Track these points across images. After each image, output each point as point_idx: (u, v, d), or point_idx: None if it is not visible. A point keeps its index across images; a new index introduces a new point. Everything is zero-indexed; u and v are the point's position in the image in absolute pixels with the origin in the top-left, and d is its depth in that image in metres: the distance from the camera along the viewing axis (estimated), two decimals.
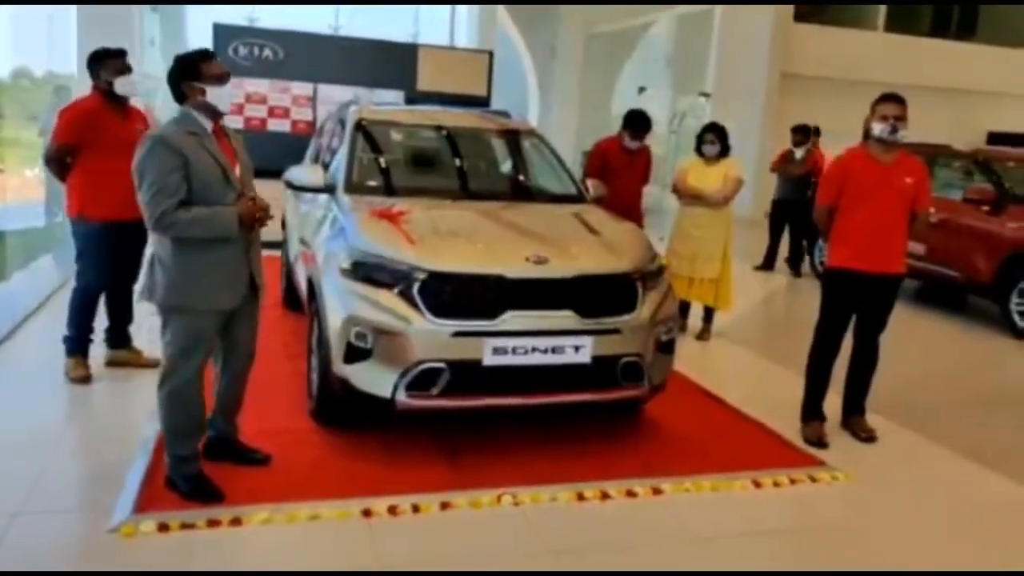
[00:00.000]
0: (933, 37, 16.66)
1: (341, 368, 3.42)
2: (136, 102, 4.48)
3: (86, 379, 4.27)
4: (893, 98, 3.87)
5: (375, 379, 3.36)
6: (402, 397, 3.34)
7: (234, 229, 2.92)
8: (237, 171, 3.05)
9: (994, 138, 16.73)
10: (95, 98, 4.16)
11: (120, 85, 4.11)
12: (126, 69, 4.13)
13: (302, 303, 4.70)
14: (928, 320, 7.41)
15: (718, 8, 15.28)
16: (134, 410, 3.93)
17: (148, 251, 3.04)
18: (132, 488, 3.09)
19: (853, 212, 3.92)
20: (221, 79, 2.96)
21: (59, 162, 4.14)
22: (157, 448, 3.38)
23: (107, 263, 4.28)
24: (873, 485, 3.66)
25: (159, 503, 3.00)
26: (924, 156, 4.16)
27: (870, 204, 3.88)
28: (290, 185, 4.23)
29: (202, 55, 3.01)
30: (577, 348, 3.47)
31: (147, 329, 4.58)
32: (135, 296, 3.10)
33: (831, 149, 9.01)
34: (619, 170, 5.68)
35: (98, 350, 4.47)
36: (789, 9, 15.13)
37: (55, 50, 7.78)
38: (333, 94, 8.51)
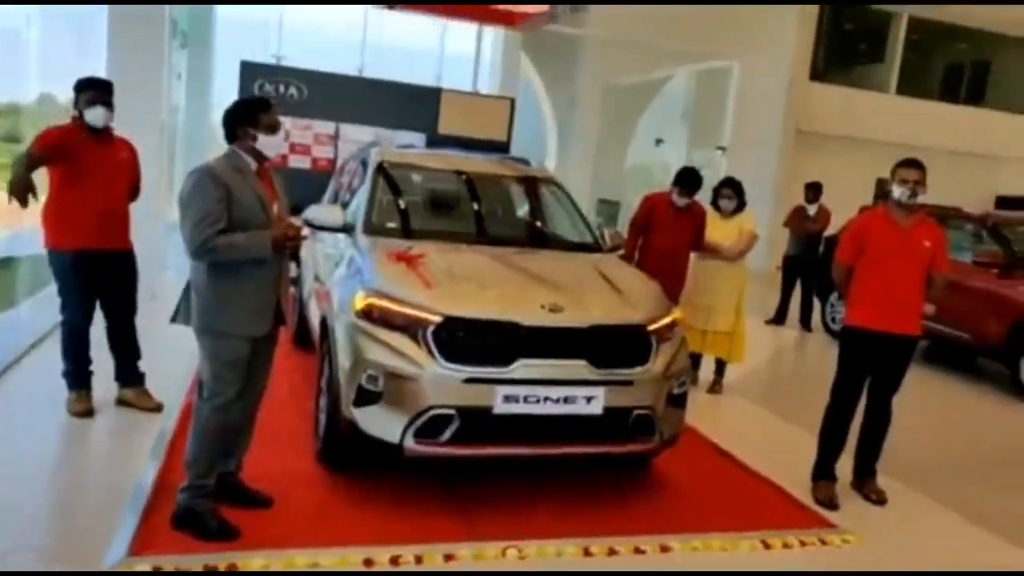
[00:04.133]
0: (943, 101, 16.88)
1: (350, 411, 3.39)
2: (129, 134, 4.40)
3: (87, 413, 4.19)
4: (913, 163, 3.92)
5: (384, 424, 3.33)
6: (410, 443, 3.30)
7: (268, 250, 3.01)
8: (275, 208, 3.16)
9: (1003, 202, 16.84)
10: (71, 126, 4.09)
11: (90, 116, 4.03)
12: (99, 101, 4.03)
13: (313, 341, 4.69)
14: (938, 381, 7.34)
15: (736, 65, 15.51)
16: (133, 450, 3.86)
17: (186, 278, 3.11)
18: (127, 529, 3.03)
19: (872, 273, 3.95)
20: (274, 129, 3.10)
21: (26, 171, 3.83)
22: (156, 489, 3.34)
23: (84, 298, 4.15)
24: (883, 550, 3.60)
25: (154, 546, 2.93)
26: (935, 218, 4.19)
27: (889, 265, 3.91)
28: (310, 224, 4.26)
29: (262, 105, 3.13)
30: (589, 399, 3.44)
31: (161, 365, 4.56)
32: (173, 320, 3.12)
33: (833, 205, 9.11)
34: (664, 225, 5.55)
35: (110, 384, 4.39)
36: (805, 68, 15.37)
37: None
38: (355, 134, 8.63)
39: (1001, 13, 15.21)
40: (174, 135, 10.48)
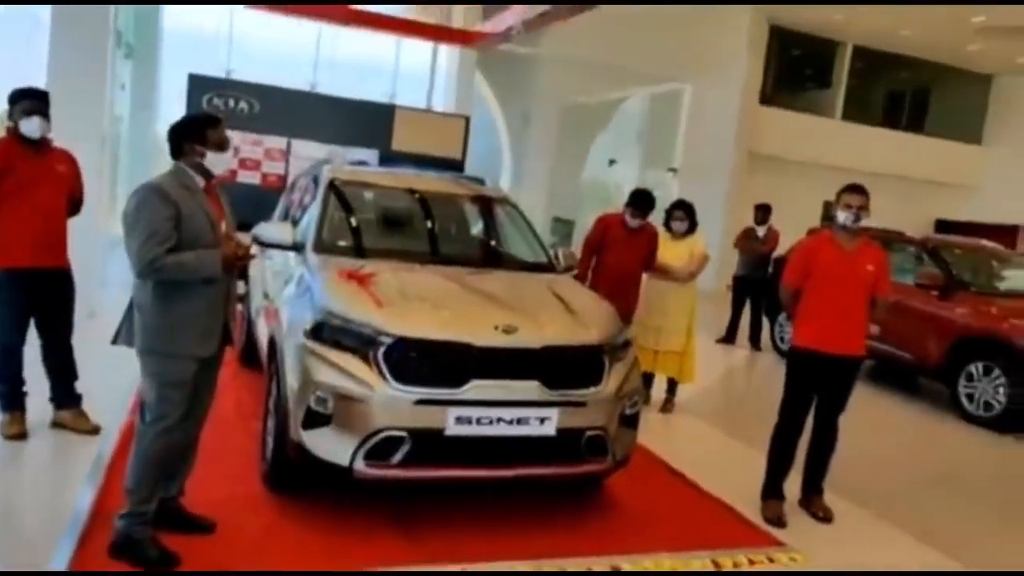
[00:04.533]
0: (886, 127, 17.49)
1: (298, 433, 3.31)
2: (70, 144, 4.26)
3: (21, 436, 4.03)
4: (857, 189, 4.03)
5: (333, 446, 3.26)
6: (360, 466, 3.24)
7: (219, 269, 2.94)
8: (223, 226, 3.09)
9: (941, 225, 17.50)
10: (6, 140, 3.96)
11: (25, 127, 3.91)
12: (35, 111, 3.91)
13: (260, 360, 4.58)
14: (882, 400, 7.52)
15: (688, 88, 15.86)
16: (69, 474, 3.73)
17: (128, 297, 3.02)
18: (63, 556, 2.91)
19: (817, 295, 4.04)
20: (223, 146, 3.04)
21: None
22: (93, 515, 3.21)
23: (19, 316, 4.00)
24: (829, 566, 3.65)
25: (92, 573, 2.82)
26: (879, 241, 4.32)
27: (834, 288, 4.00)
28: (258, 241, 4.18)
29: (211, 121, 3.07)
30: (542, 420, 3.43)
31: (98, 386, 4.40)
32: (114, 341, 3.02)
33: (781, 226, 9.33)
34: (616, 245, 5.59)
35: (45, 405, 4.21)
36: (755, 92, 15.77)
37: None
38: (307, 150, 8.54)
39: (940, 43, 15.86)
40: (117, 146, 10.20)
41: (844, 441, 4.24)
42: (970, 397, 6.89)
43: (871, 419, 6.63)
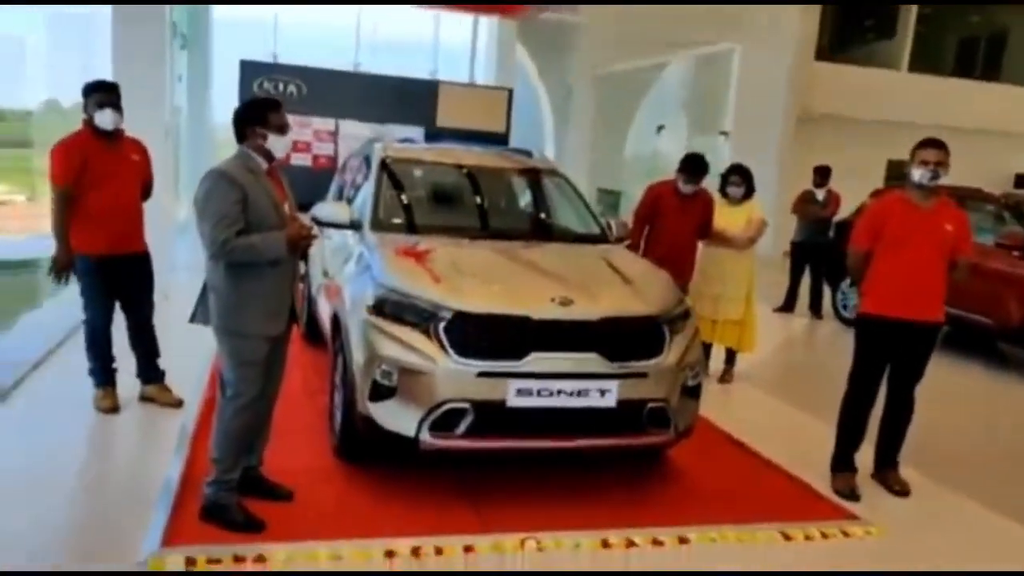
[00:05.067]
0: (958, 77, 16.55)
1: (365, 406, 3.40)
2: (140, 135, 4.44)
3: (114, 410, 4.29)
4: (934, 143, 3.80)
5: (400, 418, 3.33)
6: (426, 436, 3.31)
7: (283, 251, 3.03)
8: (286, 207, 3.19)
9: (1021, 180, 16.55)
10: (83, 132, 4.12)
11: (99, 119, 4.05)
12: (107, 103, 4.05)
13: (324, 337, 4.69)
14: (958, 368, 7.25)
15: (738, 48, 15.38)
16: (159, 445, 3.93)
17: (198, 280, 3.16)
18: (159, 522, 3.08)
19: (891, 257, 3.84)
20: (283, 129, 3.13)
21: (64, 203, 4.05)
22: (183, 483, 3.39)
23: (105, 299, 4.25)
24: (908, 541, 3.55)
25: (185, 537, 3.00)
26: (955, 199, 4.10)
27: (909, 250, 3.80)
28: (318, 222, 4.26)
29: (272, 105, 3.16)
30: (603, 392, 3.42)
31: (178, 363, 4.61)
32: (192, 320, 3.18)
33: (842, 189, 9.00)
34: (670, 215, 5.40)
35: (134, 381, 4.48)
36: (811, 48, 15.15)
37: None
38: (354, 130, 8.62)
39: None
40: (177, 136, 10.49)
41: (920, 412, 4.08)
42: None
43: (948, 388, 6.39)
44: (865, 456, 4.12)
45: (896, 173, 13.66)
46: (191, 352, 4.92)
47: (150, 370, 4.49)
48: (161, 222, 7.02)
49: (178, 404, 4.43)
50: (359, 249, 4.10)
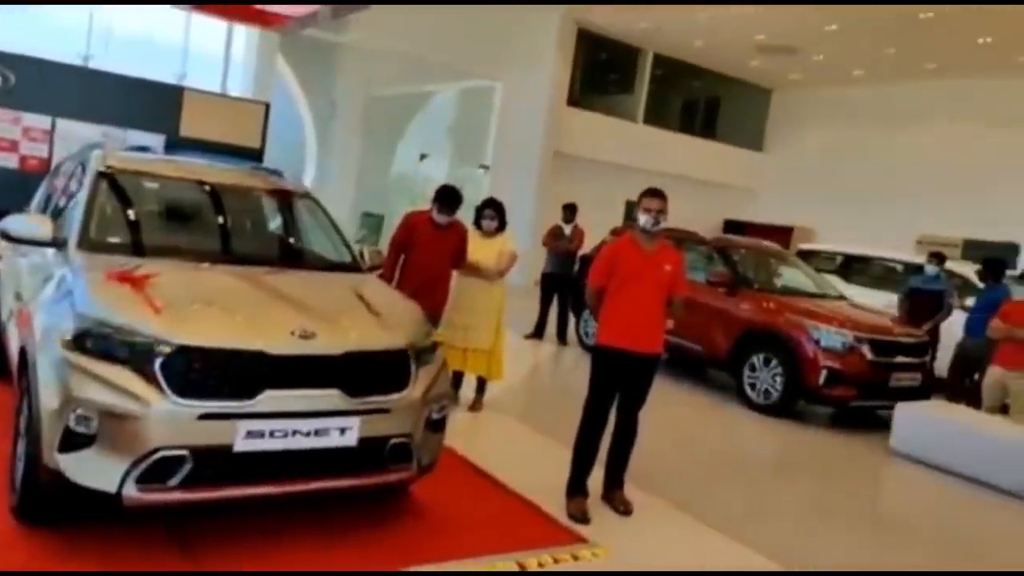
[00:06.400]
0: (682, 132, 18.90)
1: (54, 458, 2.88)
2: None
3: None
4: (655, 193, 4.23)
5: (97, 470, 2.87)
6: (131, 491, 2.87)
7: None
8: None
9: (729, 225, 19.26)
10: None
11: None
12: None
13: (10, 372, 3.96)
14: (674, 390, 8.02)
15: (499, 85, 16.08)
16: None
17: None
18: None
19: (620, 295, 4.19)
20: None
21: None
22: None
23: None
24: (630, 560, 3.77)
25: None
26: (675, 241, 4.57)
27: (634, 288, 4.16)
28: (7, 237, 3.60)
29: None
30: (343, 430, 3.23)
31: None
32: None
33: (588, 225, 9.72)
34: (424, 244, 5.45)
35: None
36: (564, 93, 16.31)
37: None
38: (77, 131, 7.59)
39: (728, 57, 17.32)
40: None
41: (642, 433, 4.41)
42: (752, 386, 7.53)
43: (666, 410, 7.03)
44: (596, 479, 4.34)
45: (631, 213, 15.11)
46: None
47: None
48: None
49: None
50: (61, 271, 3.51)
